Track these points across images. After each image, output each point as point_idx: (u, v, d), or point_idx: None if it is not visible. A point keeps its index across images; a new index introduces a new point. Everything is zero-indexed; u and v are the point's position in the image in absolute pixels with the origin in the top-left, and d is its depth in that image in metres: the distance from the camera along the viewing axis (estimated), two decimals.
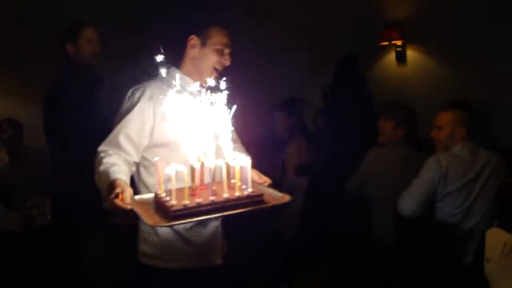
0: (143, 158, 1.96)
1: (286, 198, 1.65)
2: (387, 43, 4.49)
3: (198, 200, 1.50)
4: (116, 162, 1.80)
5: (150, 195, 1.70)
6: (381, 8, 4.54)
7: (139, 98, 1.91)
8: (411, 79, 4.45)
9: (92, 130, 2.29)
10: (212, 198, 1.51)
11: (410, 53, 4.48)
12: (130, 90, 1.97)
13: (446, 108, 2.96)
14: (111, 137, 1.89)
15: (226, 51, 1.99)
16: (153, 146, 1.94)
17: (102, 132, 1.93)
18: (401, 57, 4.53)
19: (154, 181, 1.80)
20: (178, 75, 1.85)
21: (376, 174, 3.07)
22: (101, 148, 1.87)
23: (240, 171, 1.59)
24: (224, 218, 1.89)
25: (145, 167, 1.96)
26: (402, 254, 2.83)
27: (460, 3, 3.92)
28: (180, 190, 1.51)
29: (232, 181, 1.62)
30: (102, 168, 1.76)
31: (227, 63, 1.99)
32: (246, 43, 3.19)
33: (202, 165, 1.62)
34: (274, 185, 1.83)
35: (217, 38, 1.95)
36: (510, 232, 2.22)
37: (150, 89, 1.93)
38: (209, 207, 1.50)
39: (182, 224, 1.67)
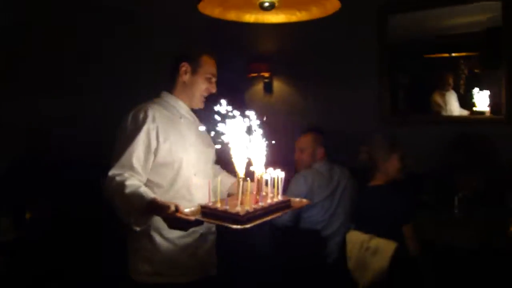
0: (147, 180, 1.95)
1: (304, 201, 1.93)
2: (256, 74, 4.91)
3: (255, 206, 1.70)
4: (140, 184, 1.80)
5: (194, 208, 1.76)
6: (251, 42, 4.98)
7: (144, 120, 1.91)
8: (277, 107, 4.89)
9: None
10: (261, 204, 1.73)
11: (277, 84, 4.96)
12: (132, 112, 1.94)
13: (306, 131, 3.44)
14: (123, 160, 1.84)
15: (214, 79, 2.11)
16: (157, 166, 1.94)
17: None
18: (268, 88, 4.97)
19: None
20: (173, 99, 2.01)
21: None
22: (115, 171, 1.82)
23: (277, 183, 1.83)
24: (221, 231, 2.04)
25: (149, 188, 1.88)
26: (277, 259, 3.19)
27: (317, 44, 4.52)
28: (222, 201, 1.71)
29: (267, 192, 1.83)
30: (128, 191, 1.73)
31: (214, 90, 2.10)
32: None
33: (243, 179, 1.75)
34: None
35: (207, 68, 2.06)
36: (365, 233, 2.70)
37: (152, 110, 1.95)
38: (261, 211, 1.71)
39: (191, 238, 1.97)
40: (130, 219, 1.75)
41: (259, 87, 5.09)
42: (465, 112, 3.93)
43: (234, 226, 1.59)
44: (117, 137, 1.91)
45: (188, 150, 1.97)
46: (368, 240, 2.63)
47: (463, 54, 4.02)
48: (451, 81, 4.03)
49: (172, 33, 4.91)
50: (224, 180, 2.18)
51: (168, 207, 1.65)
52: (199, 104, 2.10)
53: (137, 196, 1.72)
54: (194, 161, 1.99)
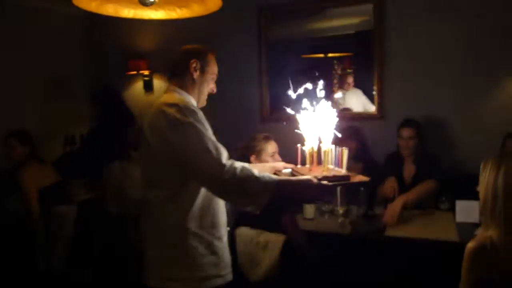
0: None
1: (363, 178, 1.94)
2: (135, 72, 4.72)
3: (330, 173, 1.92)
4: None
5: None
6: (129, 39, 4.77)
7: (195, 109, 1.82)
8: None
9: None
10: (333, 173, 1.92)
11: (157, 82, 4.81)
12: (179, 106, 1.77)
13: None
14: (221, 150, 1.75)
15: (215, 79, 2.06)
16: None
17: None
18: (148, 86, 4.81)
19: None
20: (187, 96, 1.93)
21: None
22: (226, 161, 1.72)
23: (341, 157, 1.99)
24: None
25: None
26: None
27: (198, 42, 4.39)
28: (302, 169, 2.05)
29: (330, 166, 2.01)
30: (257, 173, 1.72)
31: (215, 90, 2.06)
32: None
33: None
34: None
35: (213, 67, 2.01)
36: (253, 229, 2.68)
37: (191, 102, 1.91)
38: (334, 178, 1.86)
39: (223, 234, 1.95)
40: (260, 202, 1.71)
41: (139, 85, 4.88)
42: (372, 108, 4.07)
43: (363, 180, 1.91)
44: (183, 133, 1.74)
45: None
46: (257, 236, 2.62)
47: (337, 55, 4.22)
48: (350, 80, 4.20)
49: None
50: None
51: (309, 178, 1.77)
52: (204, 103, 2.05)
53: (267, 177, 1.72)
54: None
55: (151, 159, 1.84)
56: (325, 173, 1.89)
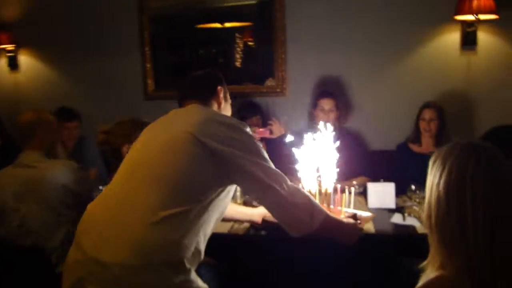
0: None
1: (370, 216, 2.20)
2: None
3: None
4: None
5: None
6: None
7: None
8: (25, 86, 4.05)
9: None
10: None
11: (24, 59, 4.07)
12: (241, 124, 1.65)
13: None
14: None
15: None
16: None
17: None
18: (13, 63, 4.06)
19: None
20: None
21: None
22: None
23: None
24: None
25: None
26: None
27: (70, 5, 3.76)
28: None
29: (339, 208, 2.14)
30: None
31: None
32: None
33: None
34: None
35: (229, 96, 1.95)
36: None
37: None
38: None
39: None
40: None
41: (2, 62, 4.12)
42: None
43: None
44: (254, 151, 1.60)
45: None
46: None
47: (236, 24, 3.73)
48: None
49: None
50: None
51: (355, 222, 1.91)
52: None
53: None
54: None
55: None
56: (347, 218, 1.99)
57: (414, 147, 3.07)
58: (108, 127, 2.23)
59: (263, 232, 2.09)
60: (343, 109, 3.23)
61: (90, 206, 1.55)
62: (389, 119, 3.40)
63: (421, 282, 1.17)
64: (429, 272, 1.19)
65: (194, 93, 1.83)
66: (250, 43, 3.80)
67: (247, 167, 1.52)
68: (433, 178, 1.16)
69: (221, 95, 1.87)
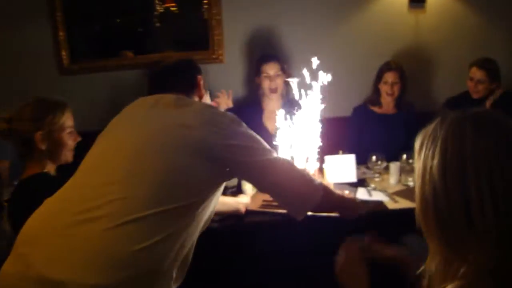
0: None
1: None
2: None
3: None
4: None
5: None
6: None
7: None
8: None
9: None
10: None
11: None
12: (230, 115, 1.49)
13: None
14: None
15: None
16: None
17: None
18: None
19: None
20: None
21: None
22: None
23: None
24: None
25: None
26: None
27: None
28: None
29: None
30: None
31: None
32: None
33: None
34: None
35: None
36: None
37: None
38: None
39: None
40: None
41: None
42: None
43: None
44: (250, 142, 1.46)
45: None
46: None
47: None
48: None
49: None
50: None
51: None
52: None
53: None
54: None
55: None
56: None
57: (375, 109, 2.91)
58: (10, 114, 1.76)
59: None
60: (290, 73, 2.92)
61: (36, 212, 1.29)
62: (340, 84, 3.14)
63: None
64: (439, 283, 0.93)
65: (173, 85, 1.64)
66: (173, 9, 3.38)
67: (254, 157, 1.43)
68: (424, 163, 0.90)
69: (202, 85, 1.73)
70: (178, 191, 1.30)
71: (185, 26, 3.35)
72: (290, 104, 2.53)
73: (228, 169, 1.41)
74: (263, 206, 2.07)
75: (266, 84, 2.79)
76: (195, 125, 1.36)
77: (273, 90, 2.79)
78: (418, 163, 0.93)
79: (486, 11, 3.13)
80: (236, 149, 1.39)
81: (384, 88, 2.83)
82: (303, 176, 1.52)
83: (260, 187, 1.56)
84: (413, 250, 1.91)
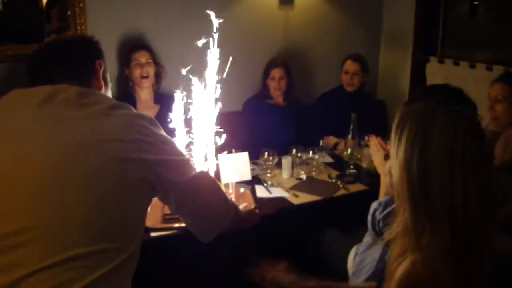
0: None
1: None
2: None
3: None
4: None
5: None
6: None
7: None
8: None
9: None
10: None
11: None
12: (148, 117, 1.23)
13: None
14: None
15: None
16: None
17: None
18: None
19: None
20: None
21: None
22: None
23: None
24: None
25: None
26: None
27: None
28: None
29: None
30: None
31: None
32: None
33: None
34: None
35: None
36: None
37: None
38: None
39: None
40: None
41: None
42: None
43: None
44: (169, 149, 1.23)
45: None
46: None
47: None
48: None
49: None
50: None
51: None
52: None
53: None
54: None
55: None
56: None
57: (267, 101, 3.02)
58: None
59: None
60: (161, 67, 2.79)
61: None
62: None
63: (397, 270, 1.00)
64: (395, 258, 1.02)
65: (63, 72, 1.24)
66: None
67: (183, 175, 1.24)
68: (409, 152, 0.98)
69: (101, 73, 1.34)
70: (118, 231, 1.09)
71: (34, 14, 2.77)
72: (165, 99, 2.52)
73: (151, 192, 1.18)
74: (165, 220, 1.82)
75: (137, 72, 2.70)
76: (121, 137, 1.09)
77: (145, 77, 2.72)
78: (400, 151, 1.00)
79: (348, 10, 3.36)
80: (167, 165, 1.18)
81: (272, 84, 2.95)
82: (220, 196, 1.39)
83: (177, 210, 1.34)
84: (332, 247, 1.95)
